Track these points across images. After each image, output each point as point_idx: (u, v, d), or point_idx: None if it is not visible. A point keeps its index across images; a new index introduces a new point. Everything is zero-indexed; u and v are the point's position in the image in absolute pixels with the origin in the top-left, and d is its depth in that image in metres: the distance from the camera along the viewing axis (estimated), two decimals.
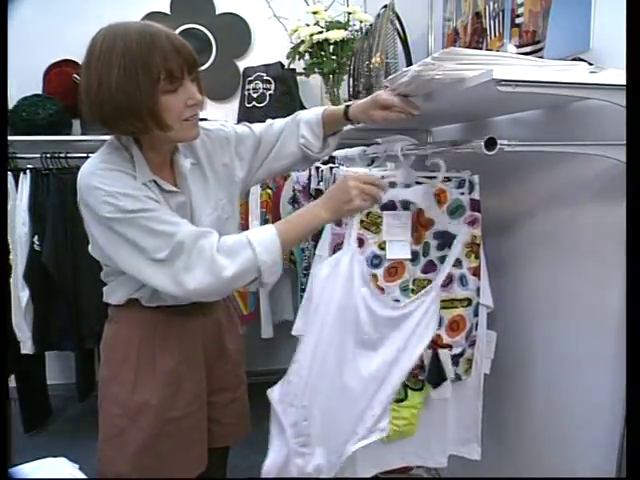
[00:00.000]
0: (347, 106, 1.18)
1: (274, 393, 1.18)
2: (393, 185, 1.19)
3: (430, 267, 1.26)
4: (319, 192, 1.82)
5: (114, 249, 0.97)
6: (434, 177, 1.20)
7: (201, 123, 1.17)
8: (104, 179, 0.95)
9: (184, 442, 1.12)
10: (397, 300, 1.20)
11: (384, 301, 1.18)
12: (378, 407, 1.16)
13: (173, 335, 1.11)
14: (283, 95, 2.54)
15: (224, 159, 1.17)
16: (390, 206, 1.21)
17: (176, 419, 1.10)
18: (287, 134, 1.23)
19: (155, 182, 1.02)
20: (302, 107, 2.74)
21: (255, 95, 2.53)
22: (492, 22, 1.37)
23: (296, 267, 2.41)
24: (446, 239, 1.25)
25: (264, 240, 0.98)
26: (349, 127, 1.29)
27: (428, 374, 1.24)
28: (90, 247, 1.09)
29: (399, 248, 1.22)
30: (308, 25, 2.29)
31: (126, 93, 0.90)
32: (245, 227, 2.47)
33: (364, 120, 1.16)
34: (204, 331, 1.16)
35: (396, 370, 1.17)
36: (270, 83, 2.52)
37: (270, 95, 2.52)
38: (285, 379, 1.17)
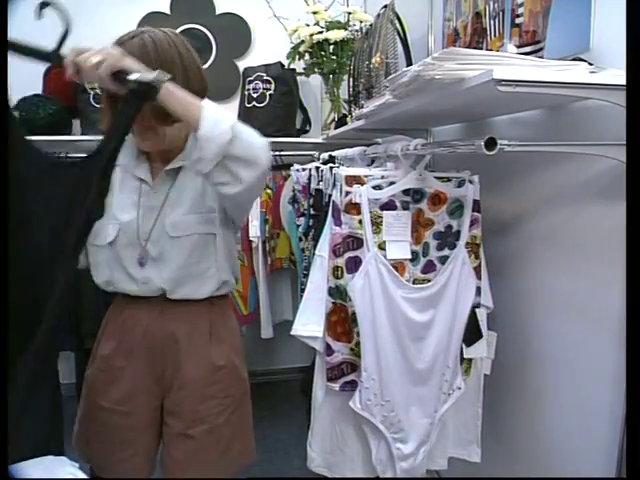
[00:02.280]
0: None
1: (356, 404, 1.24)
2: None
3: (430, 267, 1.26)
4: (319, 192, 1.82)
5: None
6: (448, 179, 1.22)
7: None
8: None
9: (110, 437, 1.11)
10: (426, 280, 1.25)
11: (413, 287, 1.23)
12: (448, 373, 1.27)
13: (118, 323, 1.14)
14: (283, 95, 2.55)
15: None
16: (390, 206, 1.22)
17: (104, 409, 1.10)
18: None
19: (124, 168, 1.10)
20: (302, 107, 2.74)
21: (255, 95, 2.53)
22: (492, 22, 1.37)
23: (296, 267, 2.41)
24: (447, 238, 1.25)
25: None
26: (347, 128, 1.29)
27: (465, 332, 1.26)
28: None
29: (399, 248, 1.22)
30: (308, 25, 2.29)
31: None
32: (245, 227, 2.47)
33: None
34: (148, 331, 1.11)
35: (454, 336, 1.26)
36: (270, 83, 2.52)
37: (270, 95, 2.52)
38: (360, 387, 1.23)
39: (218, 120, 0.92)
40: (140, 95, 0.88)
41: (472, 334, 1.27)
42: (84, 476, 0.88)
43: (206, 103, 0.94)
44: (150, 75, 0.89)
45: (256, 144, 0.95)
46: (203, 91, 1.06)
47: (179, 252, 1.08)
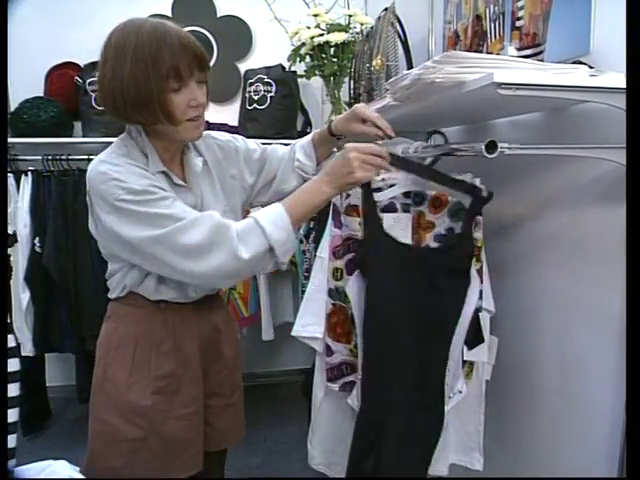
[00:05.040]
0: (331, 121, 1.21)
1: (354, 401, 1.23)
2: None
3: None
4: None
5: (127, 230, 0.95)
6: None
7: (212, 133, 1.20)
8: (115, 166, 0.97)
9: (179, 443, 1.11)
10: None
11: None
12: (448, 376, 1.23)
13: (170, 337, 1.10)
14: (284, 97, 2.55)
15: (232, 170, 1.19)
16: (390, 209, 1.22)
17: (173, 420, 1.09)
18: (287, 159, 1.25)
19: (166, 174, 1.04)
20: (303, 109, 2.75)
21: (256, 97, 2.54)
22: (492, 25, 1.37)
23: (297, 269, 2.41)
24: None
25: (273, 218, 0.97)
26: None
27: (467, 334, 1.25)
28: (100, 242, 1.08)
29: None
30: (309, 28, 2.29)
31: (136, 85, 0.94)
32: None
33: (345, 132, 1.19)
34: (201, 335, 1.16)
35: (456, 339, 1.22)
36: (271, 85, 2.53)
37: (271, 97, 2.52)
38: (358, 386, 1.21)
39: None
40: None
41: (474, 338, 1.26)
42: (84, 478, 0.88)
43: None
44: None
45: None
46: None
47: None
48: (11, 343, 0.94)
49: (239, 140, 1.23)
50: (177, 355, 1.11)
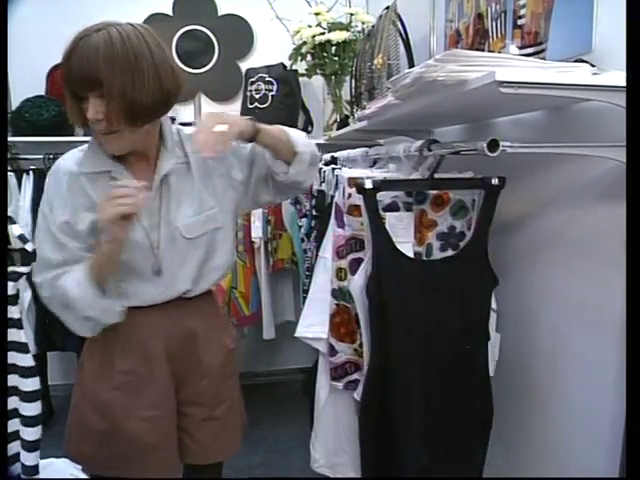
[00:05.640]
0: None
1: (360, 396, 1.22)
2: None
3: None
4: (321, 193, 1.82)
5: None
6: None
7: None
8: (52, 178, 1.07)
9: (144, 445, 1.10)
10: None
11: None
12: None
13: (135, 335, 1.10)
14: (285, 96, 2.55)
15: (220, 168, 1.15)
16: (393, 207, 1.22)
17: (137, 420, 1.09)
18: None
19: (110, 174, 1.06)
20: (304, 108, 2.75)
21: (257, 96, 2.54)
22: (494, 23, 1.36)
23: (298, 268, 2.41)
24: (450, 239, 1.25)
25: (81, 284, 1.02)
26: (350, 129, 1.29)
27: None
28: None
29: (402, 249, 1.22)
30: (310, 26, 2.29)
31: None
32: (247, 228, 2.48)
33: None
34: (168, 336, 1.12)
35: None
36: (272, 84, 2.53)
37: (272, 96, 2.52)
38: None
39: (300, 136, 1.15)
40: None
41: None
42: (86, 477, 0.89)
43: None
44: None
45: (315, 147, 1.20)
46: (177, 90, 1.03)
47: (196, 251, 1.10)
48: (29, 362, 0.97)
49: None
50: (140, 353, 1.10)
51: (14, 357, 1.05)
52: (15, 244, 0.94)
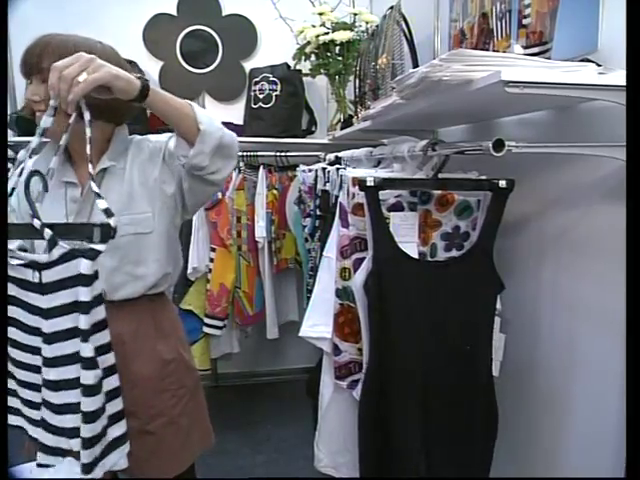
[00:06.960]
0: None
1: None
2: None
3: None
4: (326, 193, 1.82)
5: None
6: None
7: (150, 136, 1.15)
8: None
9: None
10: None
11: None
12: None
13: None
14: (289, 96, 2.55)
15: (155, 172, 1.11)
16: (397, 207, 1.22)
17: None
18: None
19: (50, 169, 0.99)
20: (308, 108, 2.75)
21: (261, 96, 2.54)
22: (499, 23, 1.36)
23: (302, 268, 2.42)
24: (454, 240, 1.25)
25: None
26: (354, 129, 1.29)
27: None
28: None
29: (406, 249, 1.22)
30: (314, 26, 2.30)
31: None
32: (251, 227, 2.48)
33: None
34: None
35: None
36: (276, 84, 2.53)
37: (276, 96, 2.52)
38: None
39: (210, 116, 1.02)
40: None
41: None
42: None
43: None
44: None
45: (234, 136, 1.08)
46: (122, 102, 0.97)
47: (113, 254, 1.05)
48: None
49: (168, 139, 1.11)
50: None
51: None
52: (98, 218, 0.90)
